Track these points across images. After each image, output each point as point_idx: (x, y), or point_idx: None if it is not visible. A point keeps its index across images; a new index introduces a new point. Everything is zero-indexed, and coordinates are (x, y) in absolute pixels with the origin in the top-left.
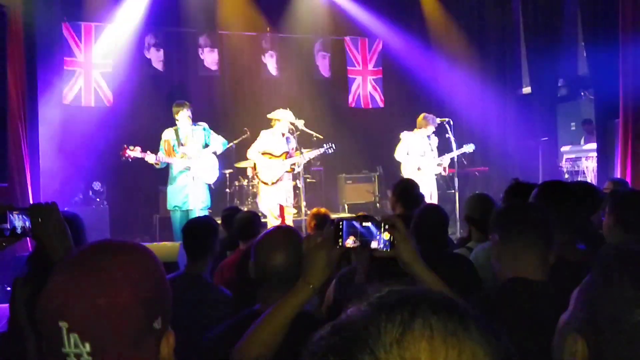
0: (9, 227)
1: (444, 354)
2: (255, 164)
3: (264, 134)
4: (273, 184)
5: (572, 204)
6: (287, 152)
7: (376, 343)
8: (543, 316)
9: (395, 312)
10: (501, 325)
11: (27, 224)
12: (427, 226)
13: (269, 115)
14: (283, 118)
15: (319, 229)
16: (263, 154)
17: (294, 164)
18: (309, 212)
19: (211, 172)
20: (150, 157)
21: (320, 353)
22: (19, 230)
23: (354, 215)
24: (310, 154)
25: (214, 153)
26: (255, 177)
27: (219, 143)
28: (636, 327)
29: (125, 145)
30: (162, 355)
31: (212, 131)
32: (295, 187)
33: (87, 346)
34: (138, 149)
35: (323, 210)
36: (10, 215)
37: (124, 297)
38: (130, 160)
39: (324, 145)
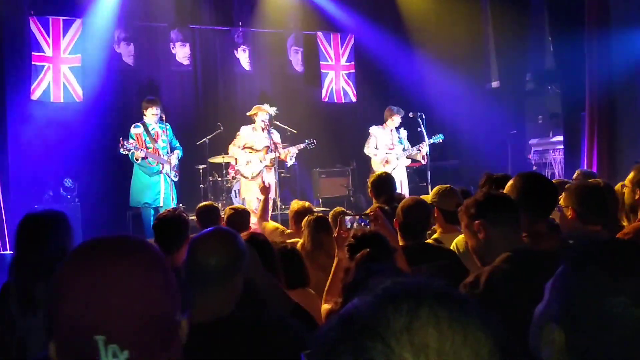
0: None
1: (451, 339)
2: (236, 160)
3: (244, 129)
4: (253, 178)
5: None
6: (268, 147)
7: (386, 331)
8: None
9: (401, 301)
10: (499, 309)
11: None
12: (412, 220)
13: (248, 113)
14: (261, 110)
15: (300, 223)
16: (244, 148)
17: (274, 158)
18: (282, 206)
19: (174, 170)
20: (139, 153)
21: (330, 344)
22: None
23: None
24: (293, 149)
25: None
26: (236, 172)
27: (176, 153)
28: (609, 315)
29: (121, 139)
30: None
31: (174, 135)
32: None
33: (126, 353)
34: (133, 141)
35: (307, 204)
36: None
37: (155, 299)
38: (127, 153)
39: (306, 140)
